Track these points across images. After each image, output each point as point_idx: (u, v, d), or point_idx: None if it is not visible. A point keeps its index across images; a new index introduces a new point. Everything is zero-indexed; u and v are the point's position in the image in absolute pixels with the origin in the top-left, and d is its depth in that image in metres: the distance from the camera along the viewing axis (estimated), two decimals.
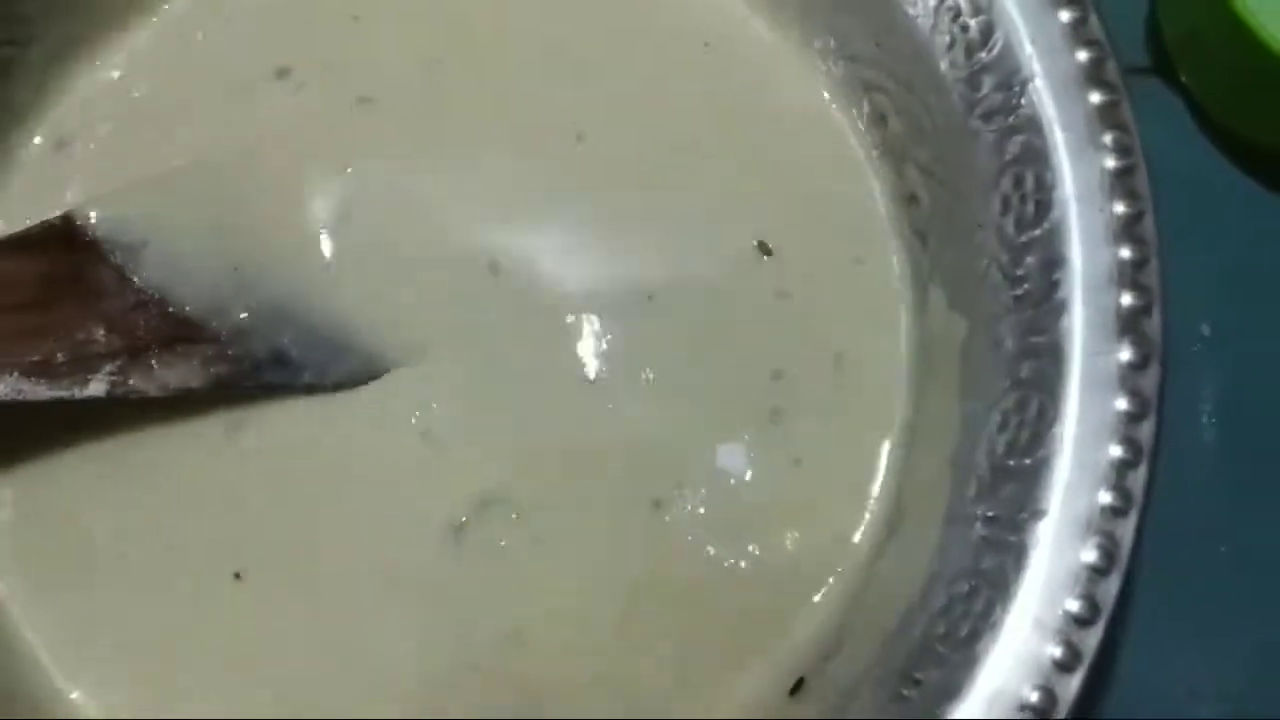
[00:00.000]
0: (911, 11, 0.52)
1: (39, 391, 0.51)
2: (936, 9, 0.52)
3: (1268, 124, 0.60)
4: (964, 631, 0.46)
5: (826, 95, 0.58)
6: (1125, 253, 0.47)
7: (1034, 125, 0.49)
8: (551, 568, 0.52)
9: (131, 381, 0.52)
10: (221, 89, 0.58)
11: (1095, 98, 0.49)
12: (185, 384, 0.53)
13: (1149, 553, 0.48)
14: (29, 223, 0.54)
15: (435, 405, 0.54)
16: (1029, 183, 0.49)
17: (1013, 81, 0.50)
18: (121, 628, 0.52)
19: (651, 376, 0.54)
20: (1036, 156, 0.49)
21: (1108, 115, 0.49)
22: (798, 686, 0.51)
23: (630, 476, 0.53)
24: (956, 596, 0.46)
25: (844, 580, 0.53)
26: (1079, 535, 0.45)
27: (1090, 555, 0.45)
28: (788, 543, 0.53)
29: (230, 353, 0.54)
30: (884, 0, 0.53)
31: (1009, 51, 0.50)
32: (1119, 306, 0.47)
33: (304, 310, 0.55)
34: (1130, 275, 0.47)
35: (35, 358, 0.51)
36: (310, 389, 0.54)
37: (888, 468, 0.54)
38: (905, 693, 0.46)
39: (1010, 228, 0.49)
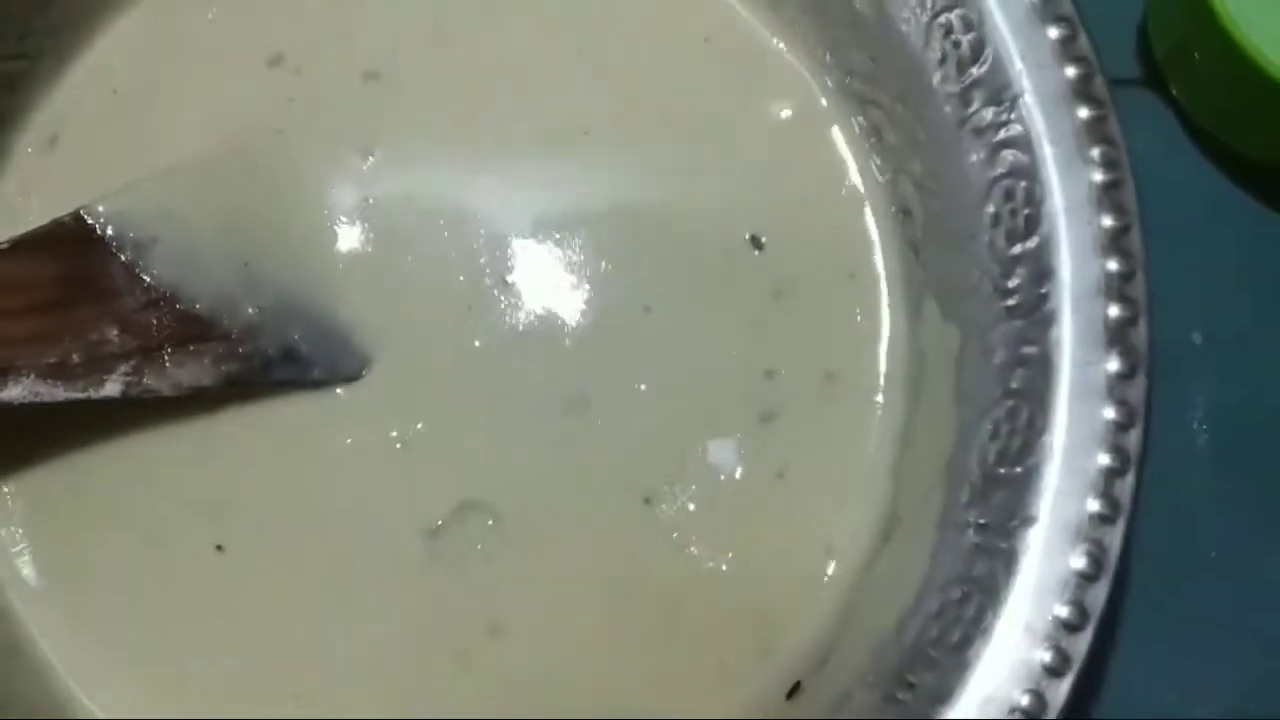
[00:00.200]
0: (905, 28, 0.52)
1: (56, 393, 0.51)
2: (929, 25, 0.51)
3: (1256, 137, 0.59)
4: (956, 636, 0.46)
5: (824, 102, 0.57)
6: (1113, 265, 0.47)
7: (1023, 140, 0.49)
8: (529, 570, 0.52)
9: (146, 381, 0.52)
10: (215, 78, 0.58)
11: (1083, 113, 0.49)
12: (198, 382, 0.53)
13: (1139, 558, 0.49)
14: (32, 221, 0.54)
15: (420, 409, 0.54)
16: (1019, 196, 0.49)
17: (1003, 97, 0.50)
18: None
19: (644, 387, 0.54)
20: (1026, 170, 0.49)
21: (1096, 130, 0.49)
22: (794, 690, 0.51)
23: (620, 475, 0.53)
24: (949, 602, 0.47)
25: (838, 585, 0.53)
26: (1068, 542, 0.45)
27: (1079, 562, 0.45)
28: (773, 545, 0.53)
29: (241, 350, 0.53)
30: (878, 16, 0.53)
31: (999, 67, 0.50)
32: (1107, 318, 0.47)
33: (313, 305, 0.55)
34: (1118, 287, 0.47)
35: (51, 359, 0.51)
36: (319, 384, 0.54)
37: (882, 473, 0.54)
38: (899, 696, 0.46)
39: (1001, 240, 0.49)
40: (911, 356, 0.54)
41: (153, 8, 0.59)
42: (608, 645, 0.52)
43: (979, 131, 0.50)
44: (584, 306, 0.55)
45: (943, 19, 0.51)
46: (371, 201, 0.56)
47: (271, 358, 0.54)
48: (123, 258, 0.53)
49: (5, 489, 0.54)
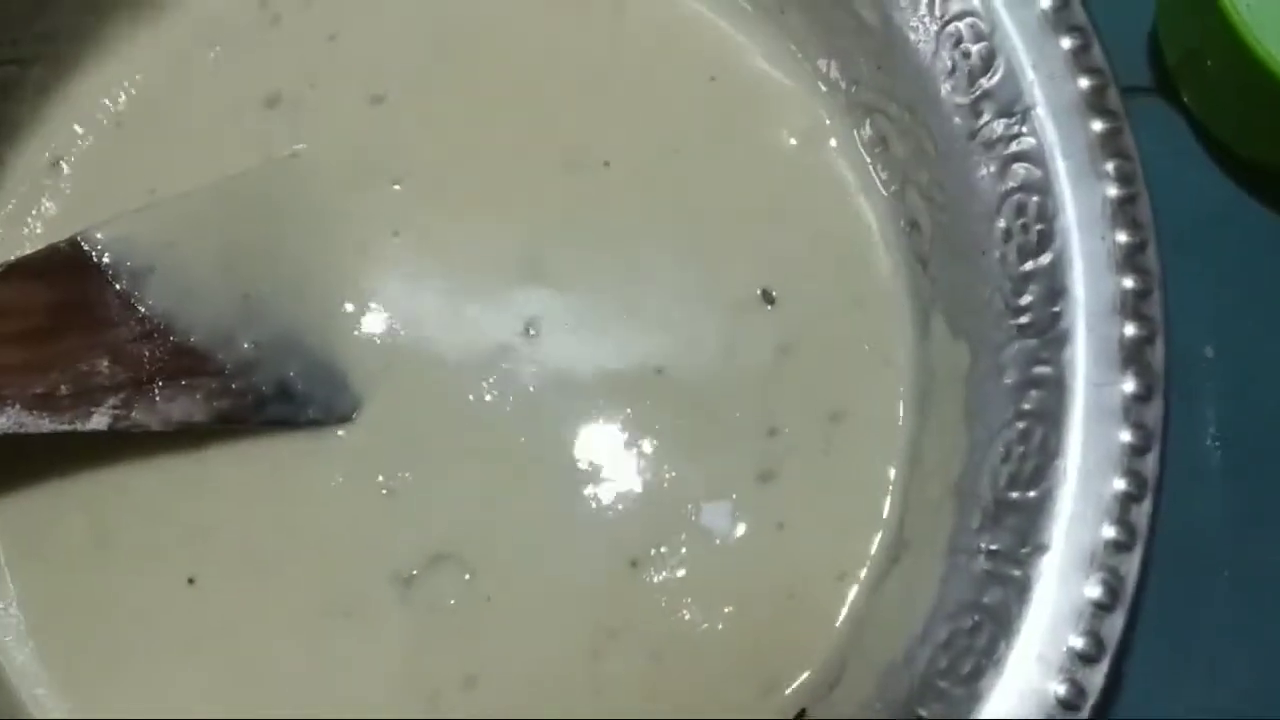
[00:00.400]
0: (913, 37, 0.50)
1: (40, 424, 0.49)
2: (938, 35, 0.49)
3: (1269, 144, 0.57)
4: (967, 667, 0.44)
5: (827, 120, 0.55)
6: (1128, 283, 0.46)
7: (1036, 153, 0.48)
8: (504, 627, 0.50)
9: (134, 415, 0.50)
10: (216, 117, 0.56)
11: (1097, 126, 0.47)
12: (188, 418, 0.51)
13: (1149, 577, 0.45)
14: (29, 244, 0.53)
15: (411, 457, 0.52)
16: (1031, 211, 0.47)
17: (1014, 109, 0.48)
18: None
19: (643, 451, 0.52)
20: (1038, 185, 0.47)
21: (1109, 143, 0.47)
22: (799, 717, 0.49)
23: (607, 538, 0.51)
24: (959, 631, 0.45)
25: (846, 612, 0.51)
26: (1083, 570, 0.44)
27: (1094, 591, 0.43)
28: (776, 589, 0.51)
29: (235, 386, 0.51)
30: (885, 25, 0.51)
31: (1010, 78, 0.48)
32: (1122, 337, 0.45)
33: (313, 343, 0.53)
34: (1133, 305, 0.45)
35: (39, 390, 0.49)
36: (312, 424, 0.52)
37: (888, 502, 0.51)
38: None
39: (1012, 256, 0.47)
40: (919, 374, 0.52)
41: (153, 37, 0.57)
42: (590, 700, 0.50)
43: (989, 144, 0.48)
44: (594, 368, 0.53)
45: (952, 28, 0.49)
46: (384, 234, 0.54)
47: (265, 395, 0.52)
48: (118, 286, 0.51)
49: None
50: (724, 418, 0.52)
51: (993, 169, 0.48)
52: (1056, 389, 0.45)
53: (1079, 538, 0.44)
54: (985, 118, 0.48)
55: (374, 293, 0.54)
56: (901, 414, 0.52)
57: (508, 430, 0.52)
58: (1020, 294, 0.47)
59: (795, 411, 0.52)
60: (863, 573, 0.51)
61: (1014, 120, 0.48)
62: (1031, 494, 0.45)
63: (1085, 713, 0.42)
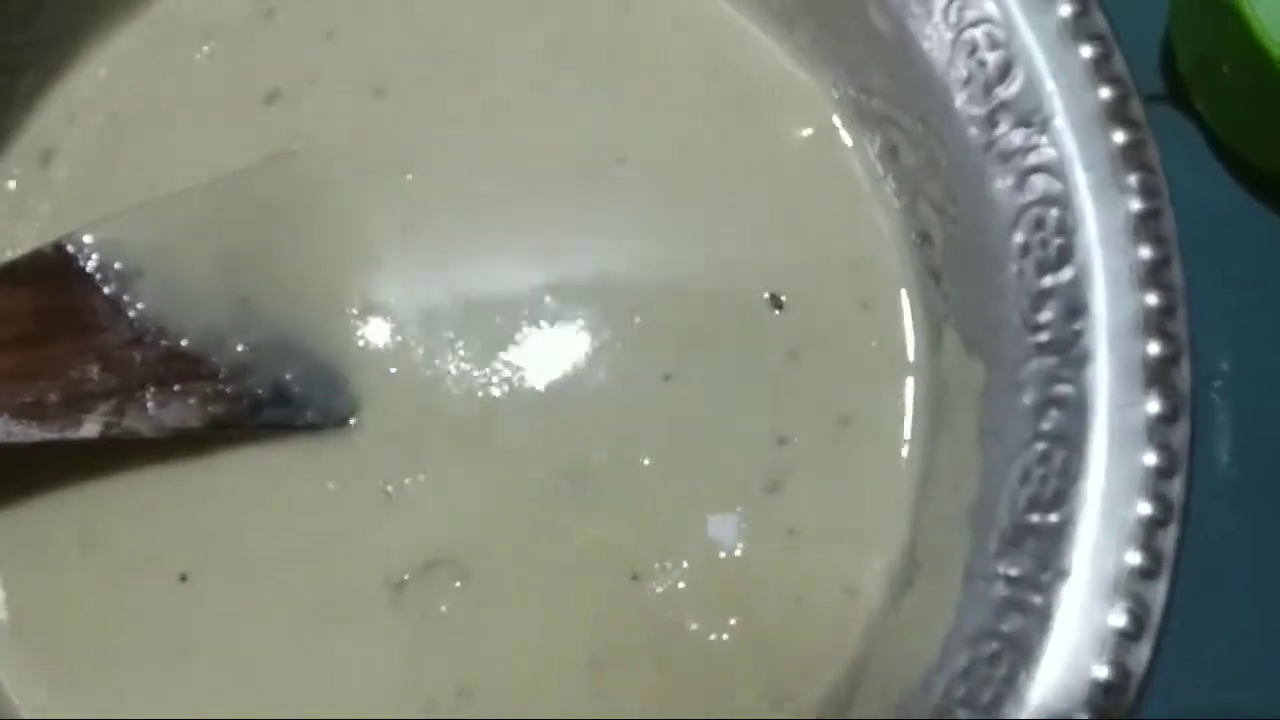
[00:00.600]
0: (927, 45, 0.48)
1: (30, 433, 0.47)
2: (953, 43, 0.48)
3: None
4: (986, 697, 0.42)
5: (838, 122, 0.54)
6: (1152, 300, 0.44)
7: (1055, 165, 0.46)
8: (497, 635, 0.49)
9: (126, 422, 0.48)
10: (213, 114, 0.54)
11: (1119, 137, 0.45)
12: (182, 424, 0.49)
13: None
14: (18, 246, 0.51)
15: (411, 462, 0.50)
16: (1050, 225, 0.45)
17: (1032, 120, 0.46)
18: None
19: (648, 460, 0.50)
20: (1058, 198, 0.45)
21: (1132, 156, 0.45)
22: None
23: (607, 550, 0.49)
24: (978, 659, 0.43)
25: (858, 627, 0.49)
26: (1106, 598, 0.42)
27: (1119, 619, 0.41)
28: (785, 600, 0.49)
29: (229, 390, 0.50)
30: (898, 32, 0.49)
31: (1028, 88, 0.46)
32: (1146, 356, 0.43)
33: (310, 344, 0.51)
34: (1157, 323, 0.44)
35: (27, 398, 0.47)
36: (311, 428, 0.50)
37: (901, 513, 0.50)
38: None
39: (1030, 271, 0.45)
40: (932, 390, 0.50)
41: (145, 33, 0.56)
42: (592, 710, 0.48)
43: (1006, 156, 0.46)
44: (603, 372, 0.51)
45: (967, 35, 0.47)
46: (390, 231, 0.53)
47: (261, 399, 0.50)
48: (106, 290, 0.49)
49: None
50: (731, 426, 0.50)
51: (1010, 181, 0.46)
52: (1077, 409, 0.44)
53: (1102, 564, 0.42)
54: (1002, 128, 0.47)
55: (378, 292, 0.52)
56: (912, 425, 0.50)
57: (510, 436, 0.51)
58: (1039, 310, 0.45)
59: (804, 419, 0.50)
60: (873, 588, 0.49)
61: (1032, 131, 0.46)
62: (1052, 518, 0.43)
63: None
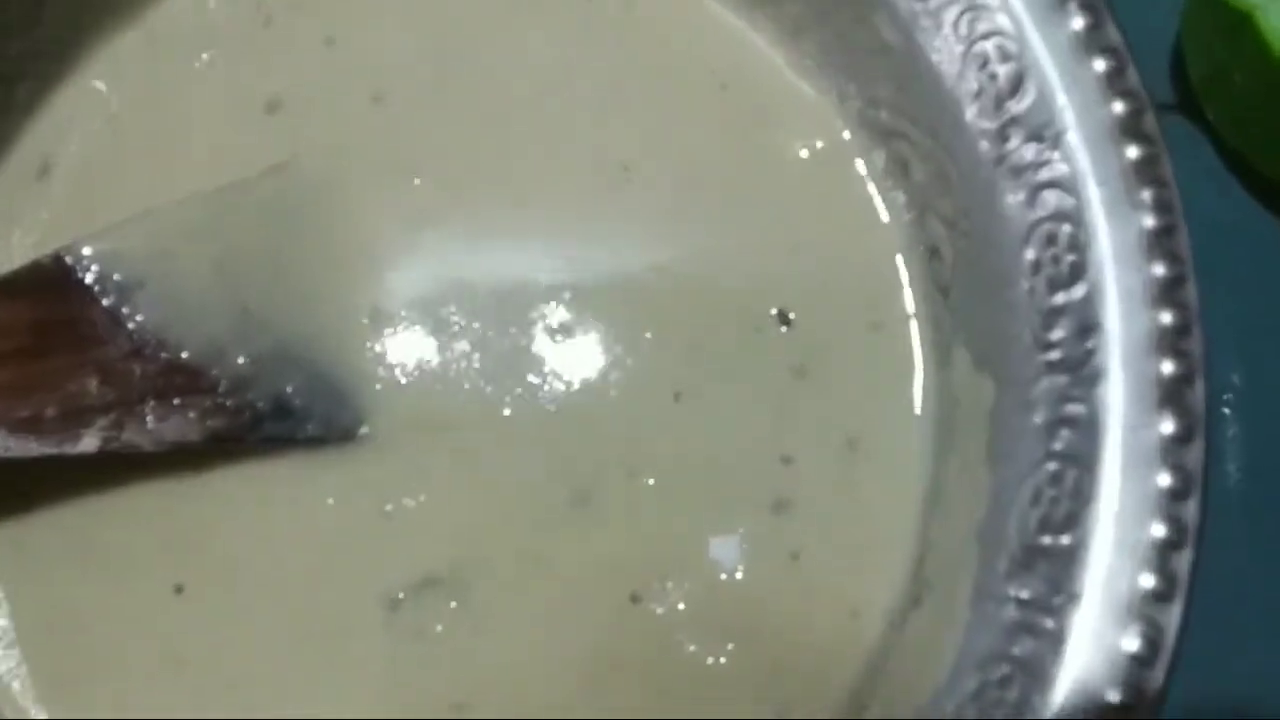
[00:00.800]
0: (936, 58, 0.48)
1: (28, 448, 0.47)
2: (964, 56, 0.47)
3: None
4: None
5: (847, 135, 0.53)
6: (1166, 318, 0.43)
7: (1068, 180, 0.45)
8: (493, 655, 0.48)
9: (125, 436, 0.48)
10: (214, 124, 0.54)
11: (1133, 152, 0.45)
12: (182, 438, 0.48)
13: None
14: (16, 256, 0.51)
15: (412, 479, 0.50)
16: (1062, 241, 0.45)
17: (1044, 134, 0.45)
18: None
19: (653, 480, 0.49)
20: (1070, 214, 0.45)
21: (1146, 171, 0.44)
22: None
23: (607, 570, 0.49)
24: (989, 682, 0.42)
25: (864, 648, 0.48)
26: (1120, 621, 0.41)
27: (1133, 643, 0.41)
28: (788, 623, 0.49)
29: (229, 404, 0.49)
30: (907, 45, 0.48)
31: (1040, 102, 0.46)
32: (1159, 375, 0.43)
33: (313, 356, 0.50)
34: (1171, 342, 0.43)
35: (24, 413, 0.47)
36: (312, 442, 0.50)
37: (909, 531, 0.49)
38: None
39: (1041, 288, 0.45)
40: (941, 408, 0.50)
41: (144, 41, 0.55)
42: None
43: (1017, 170, 0.46)
44: (614, 390, 0.50)
45: (978, 48, 0.47)
46: (393, 242, 0.52)
47: (262, 412, 0.49)
48: (105, 302, 0.48)
49: None
50: (737, 446, 0.50)
51: (1021, 196, 0.46)
52: (1089, 429, 0.43)
53: (1115, 587, 0.41)
54: (1013, 143, 0.46)
55: (385, 302, 0.51)
56: (921, 444, 0.50)
57: (515, 455, 0.50)
58: (1050, 328, 0.44)
59: (810, 439, 0.50)
60: (879, 609, 0.49)
61: (1044, 145, 0.45)
62: (1064, 540, 0.42)
63: None
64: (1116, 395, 0.43)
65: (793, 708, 0.48)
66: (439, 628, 0.48)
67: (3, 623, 0.49)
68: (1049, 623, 0.42)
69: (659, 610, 0.48)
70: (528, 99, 0.54)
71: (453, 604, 0.48)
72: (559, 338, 0.51)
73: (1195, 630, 0.48)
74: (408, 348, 0.51)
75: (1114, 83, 0.45)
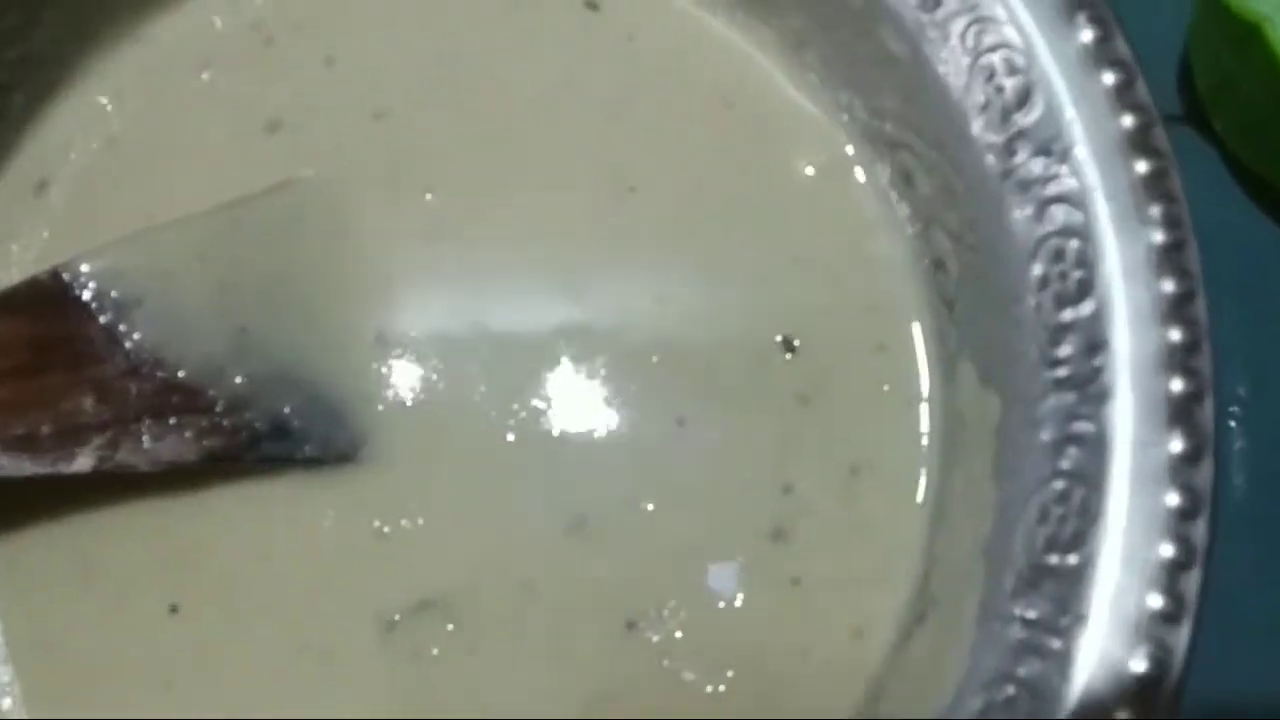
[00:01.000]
0: (943, 70, 0.47)
1: (21, 467, 0.47)
2: (970, 68, 0.47)
3: None
4: None
5: (850, 151, 0.53)
6: (1175, 335, 0.43)
7: (1076, 195, 0.44)
8: (488, 679, 0.48)
9: (120, 456, 0.48)
10: (214, 143, 0.53)
11: (1141, 167, 0.44)
12: (178, 458, 0.48)
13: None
14: (14, 273, 0.51)
15: (410, 501, 0.49)
16: (1070, 256, 0.44)
17: (1052, 148, 0.45)
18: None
19: (652, 507, 0.49)
20: (1078, 229, 0.44)
21: (1155, 186, 0.44)
22: None
23: (602, 599, 0.48)
24: (993, 703, 0.42)
25: (867, 668, 0.48)
26: (1127, 642, 0.41)
27: (1141, 664, 0.40)
28: (789, 648, 0.48)
29: (226, 424, 0.49)
30: (913, 56, 0.48)
31: (1048, 116, 0.45)
32: (1169, 393, 0.42)
33: (311, 377, 0.50)
34: (1181, 360, 0.43)
35: (19, 430, 0.47)
36: (311, 462, 0.49)
37: (913, 555, 0.49)
38: None
39: (1049, 304, 0.44)
40: (946, 422, 0.50)
41: (144, 58, 0.55)
42: None
43: (1025, 185, 0.45)
44: (618, 415, 0.50)
45: (985, 61, 0.46)
46: (396, 261, 0.52)
47: (259, 432, 0.49)
48: (102, 320, 0.48)
49: None
50: (738, 474, 0.50)
51: (1029, 211, 0.45)
52: (1097, 447, 0.43)
53: (1123, 607, 0.41)
54: (1020, 156, 0.46)
55: (389, 322, 0.51)
56: (925, 466, 0.50)
57: (516, 480, 0.50)
58: (1058, 344, 0.44)
59: (813, 467, 0.50)
60: (883, 629, 0.48)
61: (1052, 160, 0.45)
62: (1071, 559, 0.42)
63: None
64: (1125, 413, 0.43)
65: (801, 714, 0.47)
66: (435, 650, 0.48)
67: None
68: (1056, 643, 0.41)
69: (655, 638, 0.48)
70: (531, 118, 0.54)
71: (449, 626, 0.48)
72: (565, 361, 0.51)
73: (1200, 641, 0.48)
74: (412, 369, 0.51)
75: (1123, 96, 0.45)
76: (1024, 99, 0.46)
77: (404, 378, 0.51)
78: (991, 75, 0.46)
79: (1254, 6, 0.52)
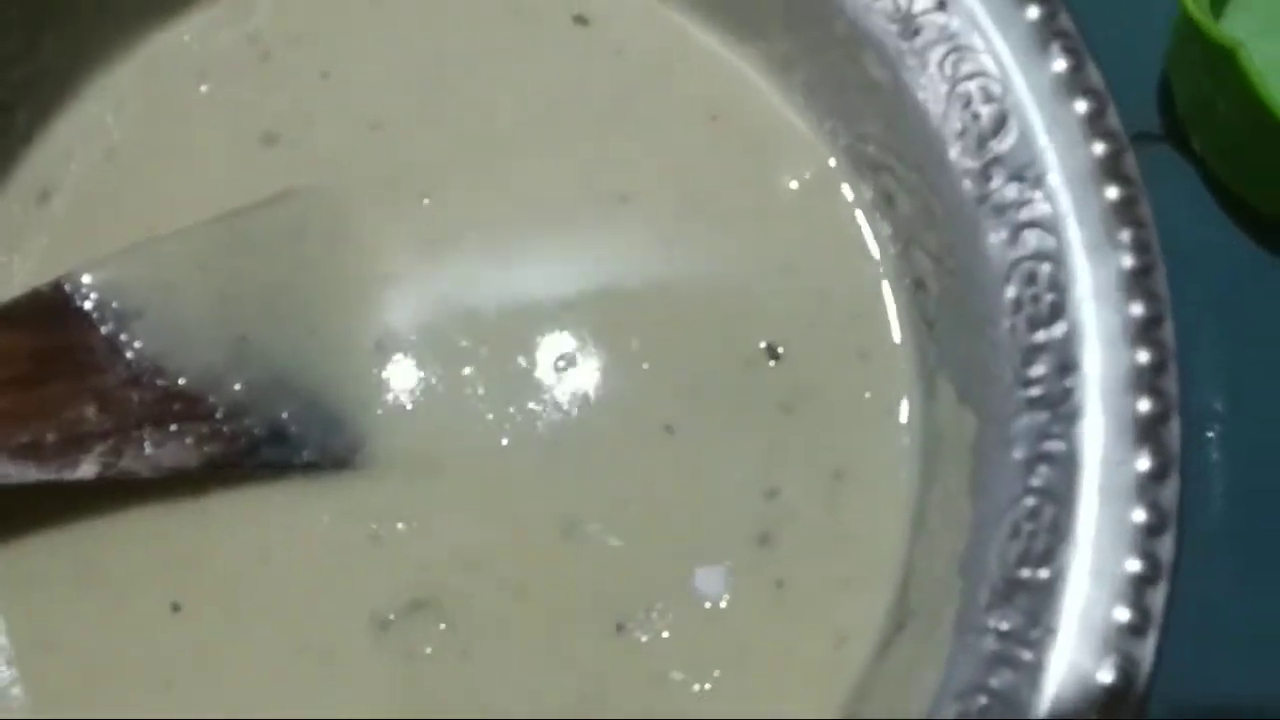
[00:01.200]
0: (922, 96, 0.48)
1: (27, 474, 0.47)
2: (948, 95, 0.48)
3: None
4: None
5: (833, 166, 0.54)
6: (1143, 357, 0.44)
7: (1049, 220, 0.46)
8: (480, 679, 0.49)
9: (123, 463, 0.49)
10: (212, 154, 0.55)
11: (1112, 193, 0.45)
12: (179, 464, 0.49)
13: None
14: (15, 283, 0.51)
15: (404, 504, 0.50)
16: (1042, 280, 0.46)
17: (1026, 174, 0.46)
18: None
19: (640, 512, 0.50)
20: (1051, 253, 0.46)
21: (1125, 211, 0.45)
22: None
23: (593, 600, 0.49)
24: (967, 713, 0.43)
25: (847, 673, 0.49)
26: (1096, 654, 0.42)
27: (1108, 675, 0.42)
28: (772, 650, 0.49)
29: (226, 431, 0.50)
30: (894, 83, 0.49)
31: (1022, 143, 0.47)
32: (1136, 413, 0.44)
33: (309, 384, 0.51)
34: (1149, 380, 0.44)
35: (23, 439, 0.48)
36: (309, 467, 0.50)
37: (892, 567, 0.50)
38: None
39: (1022, 326, 0.46)
40: (926, 436, 0.51)
41: (143, 71, 0.56)
42: None
43: (1000, 209, 0.47)
44: (608, 421, 0.51)
45: (962, 89, 0.48)
46: (393, 269, 0.53)
47: (258, 439, 0.50)
48: (103, 330, 0.49)
49: None
50: (724, 478, 0.51)
51: (1003, 235, 0.46)
52: (1068, 465, 0.44)
53: (1092, 620, 0.42)
54: (996, 182, 0.47)
55: (388, 328, 0.52)
56: (906, 475, 0.51)
57: (509, 484, 0.51)
58: (1030, 365, 0.45)
59: (796, 472, 0.51)
60: (865, 637, 0.49)
61: (1026, 185, 0.46)
62: (1042, 573, 0.43)
63: None
64: (1094, 432, 0.44)
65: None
66: (428, 649, 0.49)
67: (0, 640, 0.50)
68: (1027, 655, 0.42)
69: (644, 639, 0.49)
70: (523, 130, 0.55)
71: (441, 626, 0.49)
72: (560, 366, 0.52)
73: (1179, 652, 0.49)
74: (410, 374, 0.52)
75: (1095, 124, 0.46)
76: (999, 126, 0.47)
77: (401, 383, 0.52)
78: (968, 102, 0.48)
79: (1229, 32, 0.53)
